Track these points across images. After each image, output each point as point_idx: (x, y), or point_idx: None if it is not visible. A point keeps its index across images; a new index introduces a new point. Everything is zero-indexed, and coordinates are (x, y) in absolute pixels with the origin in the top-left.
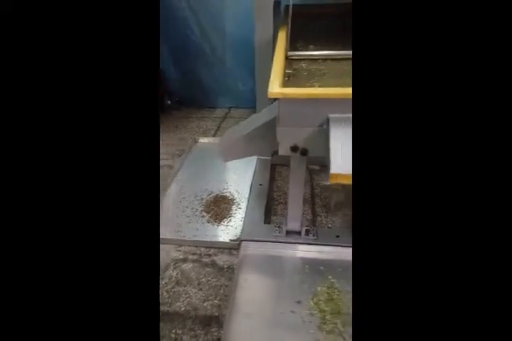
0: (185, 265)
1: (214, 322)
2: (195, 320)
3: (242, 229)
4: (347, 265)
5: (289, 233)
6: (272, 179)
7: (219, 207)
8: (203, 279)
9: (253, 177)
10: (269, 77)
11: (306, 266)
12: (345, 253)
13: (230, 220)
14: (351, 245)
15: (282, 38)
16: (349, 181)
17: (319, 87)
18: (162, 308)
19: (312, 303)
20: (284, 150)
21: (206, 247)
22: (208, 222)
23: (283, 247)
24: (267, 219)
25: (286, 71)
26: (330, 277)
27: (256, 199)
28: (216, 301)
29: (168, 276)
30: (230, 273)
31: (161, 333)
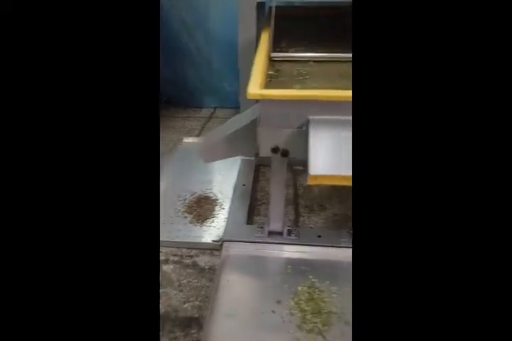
0: (166, 266)
1: (194, 323)
2: (175, 321)
3: (225, 230)
4: (328, 264)
5: (271, 233)
6: (256, 179)
7: (202, 208)
8: (184, 280)
9: (237, 178)
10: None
11: (289, 266)
12: (327, 253)
13: (213, 221)
14: (333, 245)
15: (265, 39)
16: (328, 182)
17: (300, 88)
18: None
19: (293, 303)
20: (264, 151)
21: (188, 248)
22: (191, 223)
23: (265, 248)
24: (250, 220)
25: (269, 72)
26: (311, 277)
27: (239, 199)
28: (197, 302)
29: None
30: (211, 274)
31: None
